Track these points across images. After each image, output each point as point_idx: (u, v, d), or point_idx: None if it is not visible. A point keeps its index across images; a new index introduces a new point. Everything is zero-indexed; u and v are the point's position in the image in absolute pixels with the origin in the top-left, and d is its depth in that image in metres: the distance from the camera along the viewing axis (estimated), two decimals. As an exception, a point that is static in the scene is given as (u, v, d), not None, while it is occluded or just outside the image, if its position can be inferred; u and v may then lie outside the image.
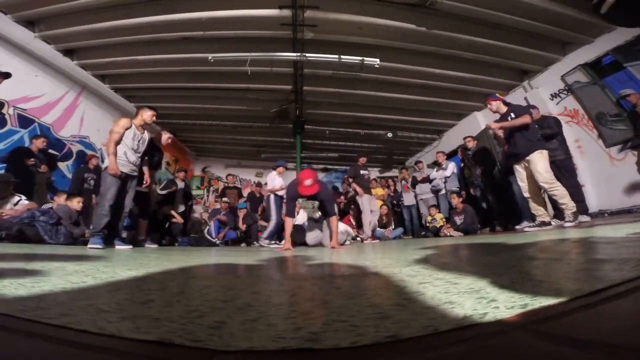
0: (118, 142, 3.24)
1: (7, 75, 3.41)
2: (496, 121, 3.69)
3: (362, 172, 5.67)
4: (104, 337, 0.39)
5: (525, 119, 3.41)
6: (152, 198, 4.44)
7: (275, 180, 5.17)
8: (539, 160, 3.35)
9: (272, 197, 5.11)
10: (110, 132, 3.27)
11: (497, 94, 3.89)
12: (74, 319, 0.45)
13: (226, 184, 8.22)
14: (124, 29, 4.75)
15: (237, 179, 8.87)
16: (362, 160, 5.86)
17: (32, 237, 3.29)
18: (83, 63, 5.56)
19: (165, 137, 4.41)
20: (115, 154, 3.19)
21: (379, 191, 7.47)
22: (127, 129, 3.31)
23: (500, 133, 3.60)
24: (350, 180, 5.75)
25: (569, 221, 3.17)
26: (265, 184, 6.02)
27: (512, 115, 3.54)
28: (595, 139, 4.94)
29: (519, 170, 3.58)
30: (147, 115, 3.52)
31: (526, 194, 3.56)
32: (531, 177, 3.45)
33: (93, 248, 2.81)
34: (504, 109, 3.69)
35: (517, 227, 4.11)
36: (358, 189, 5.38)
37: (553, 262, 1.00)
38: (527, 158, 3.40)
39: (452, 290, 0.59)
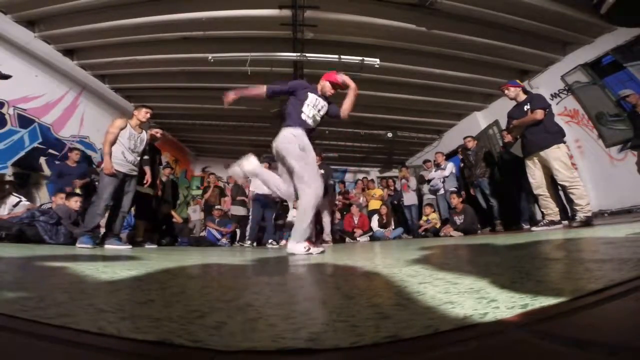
0: (113, 142, 3.34)
1: (5, 77, 3.48)
2: (512, 109, 3.48)
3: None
4: (104, 337, 0.39)
5: (536, 116, 3.18)
6: (153, 199, 4.41)
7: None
8: (558, 157, 3.10)
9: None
10: (106, 133, 3.39)
11: (517, 81, 3.62)
12: (74, 319, 0.45)
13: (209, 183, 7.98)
14: (124, 29, 4.74)
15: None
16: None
17: (32, 237, 3.30)
18: (83, 63, 5.56)
19: (157, 134, 4.41)
20: (111, 154, 3.29)
21: (377, 192, 7.48)
22: (122, 129, 3.40)
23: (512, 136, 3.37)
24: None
25: (579, 222, 2.99)
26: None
27: (527, 106, 3.30)
28: (595, 139, 4.94)
29: (530, 166, 3.37)
30: (141, 114, 3.61)
31: (537, 191, 3.36)
32: (545, 173, 3.26)
33: (82, 247, 2.84)
34: (523, 96, 3.43)
35: (534, 228, 3.67)
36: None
37: (553, 261, 1.00)
38: (542, 153, 3.18)
39: (452, 290, 0.59)
